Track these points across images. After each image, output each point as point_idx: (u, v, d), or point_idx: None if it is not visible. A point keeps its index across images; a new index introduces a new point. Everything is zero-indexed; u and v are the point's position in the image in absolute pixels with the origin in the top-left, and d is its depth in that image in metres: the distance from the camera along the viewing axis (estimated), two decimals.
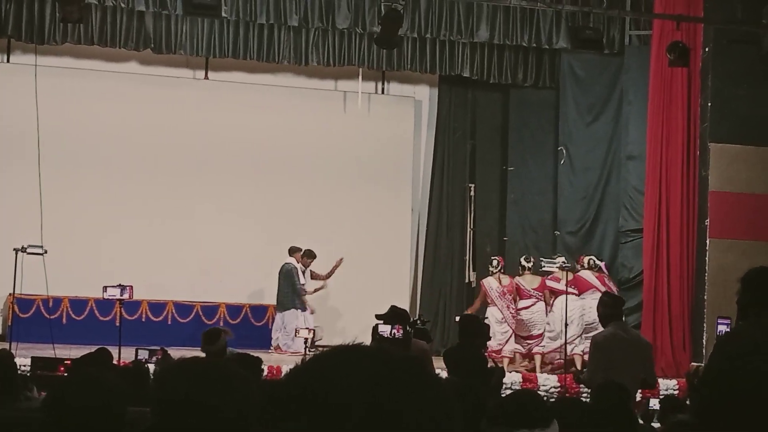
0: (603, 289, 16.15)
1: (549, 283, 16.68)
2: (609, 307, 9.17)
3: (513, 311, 16.61)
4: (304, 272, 17.91)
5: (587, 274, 16.64)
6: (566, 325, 15.50)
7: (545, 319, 16.54)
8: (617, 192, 18.66)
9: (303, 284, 17.74)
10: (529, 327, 16.60)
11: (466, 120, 20.35)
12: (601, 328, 15.98)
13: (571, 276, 16.51)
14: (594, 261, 16.91)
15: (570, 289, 16.13)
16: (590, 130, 19.04)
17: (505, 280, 16.79)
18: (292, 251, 17.86)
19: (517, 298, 16.77)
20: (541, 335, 16.57)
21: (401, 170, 19.86)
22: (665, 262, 17.15)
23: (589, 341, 16.14)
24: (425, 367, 1.72)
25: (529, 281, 16.77)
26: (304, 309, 17.68)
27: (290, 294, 17.67)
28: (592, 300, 16.24)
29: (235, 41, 18.30)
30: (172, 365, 2.59)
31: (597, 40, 16.43)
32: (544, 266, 16.75)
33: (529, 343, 16.65)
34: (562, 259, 16.88)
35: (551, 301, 16.63)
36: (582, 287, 16.50)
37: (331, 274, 18.11)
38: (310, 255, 18.01)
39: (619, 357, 8.66)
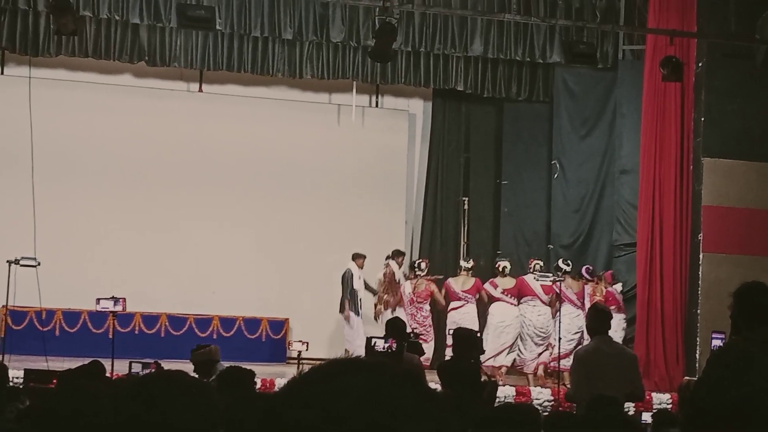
0: (544, 297, 16.24)
1: (487, 286, 16.67)
2: (592, 321, 9.16)
3: (422, 319, 16.58)
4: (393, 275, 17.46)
5: (530, 279, 16.62)
6: (559, 337, 15.51)
7: (475, 323, 16.34)
8: (611, 206, 18.68)
9: (357, 289, 17.49)
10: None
11: (460, 133, 20.38)
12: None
13: (512, 283, 16.53)
14: (540, 266, 16.88)
15: (506, 297, 16.26)
16: (584, 144, 19.08)
17: (421, 285, 16.80)
18: (354, 257, 17.49)
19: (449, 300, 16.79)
20: None
21: (395, 183, 19.87)
22: (659, 276, 17.15)
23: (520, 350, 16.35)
24: (421, 382, 1.73)
25: (460, 283, 16.77)
26: (357, 313, 17.37)
27: (347, 299, 17.34)
28: (531, 307, 16.32)
29: (229, 54, 18.31)
30: (124, 386, 2.60)
31: (590, 55, 16.46)
32: (537, 279, 16.75)
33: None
34: (567, 267, 16.87)
35: (487, 306, 16.63)
36: (523, 293, 16.53)
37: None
38: (398, 254, 17.68)
39: (601, 371, 8.65)
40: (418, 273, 17.07)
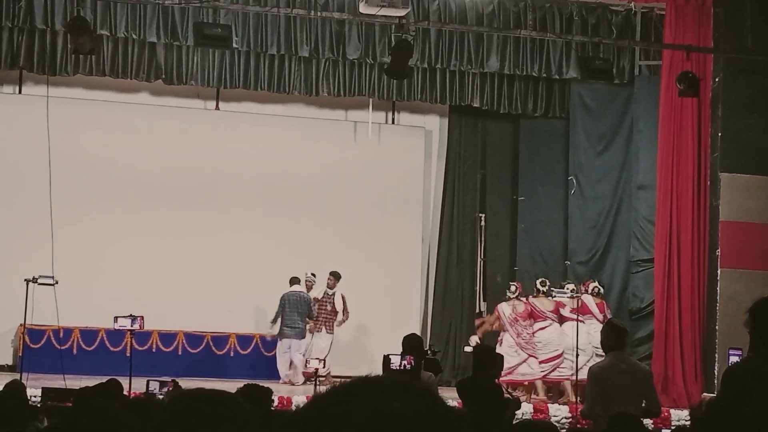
0: (600, 316, 16.28)
1: (561, 310, 16.72)
2: (607, 338, 9.11)
3: (528, 336, 16.60)
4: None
5: (588, 300, 16.66)
6: (577, 355, 15.48)
7: (562, 341, 16.49)
8: (628, 221, 18.64)
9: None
10: (546, 349, 16.56)
11: (477, 150, 20.37)
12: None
13: (579, 303, 16.55)
14: (598, 289, 16.95)
15: (574, 316, 16.26)
16: (600, 160, 19.05)
17: (520, 306, 16.79)
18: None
19: (533, 321, 16.76)
20: (559, 356, 16.53)
21: (411, 200, 19.87)
22: (676, 292, 17.10)
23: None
24: (436, 401, 1.72)
25: (544, 304, 16.77)
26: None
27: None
28: (590, 325, 16.35)
29: (245, 72, 18.36)
30: (171, 399, 2.58)
31: (607, 70, 16.45)
32: (555, 296, 16.73)
33: (549, 365, 16.54)
34: (572, 286, 16.89)
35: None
36: (584, 312, 16.56)
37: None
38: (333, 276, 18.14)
39: (616, 388, 8.61)
40: (509, 295, 17.01)
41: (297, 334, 17.65)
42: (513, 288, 17.10)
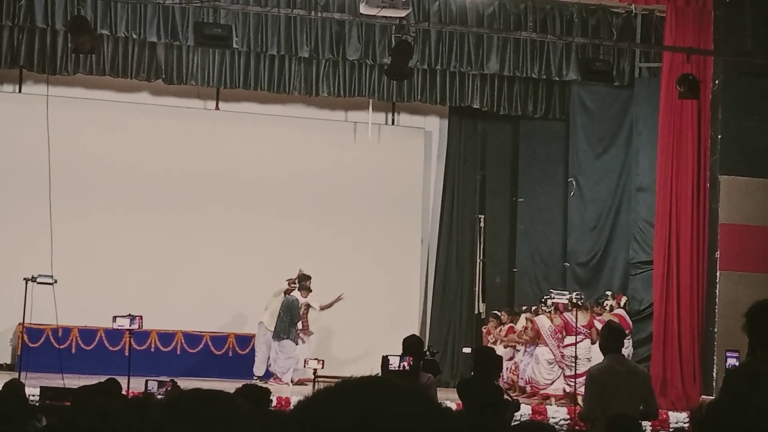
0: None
1: (596, 323, 16.50)
2: (606, 340, 9.10)
3: (562, 351, 16.52)
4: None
5: (623, 314, 16.59)
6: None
7: (591, 357, 16.27)
8: (627, 223, 18.64)
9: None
10: (577, 364, 16.33)
11: (476, 151, 20.39)
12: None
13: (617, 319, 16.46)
14: (627, 302, 16.94)
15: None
16: (600, 162, 19.05)
17: (557, 319, 16.70)
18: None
19: (565, 335, 16.64)
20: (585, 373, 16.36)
21: (411, 201, 19.88)
22: (675, 294, 17.08)
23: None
24: (428, 401, 1.72)
25: (579, 318, 16.60)
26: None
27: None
28: (628, 340, 16.22)
29: (245, 72, 18.36)
30: (169, 398, 2.57)
31: (607, 72, 16.43)
32: (554, 298, 16.69)
33: (577, 382, 16.35)
34: (611, 301, 16.82)
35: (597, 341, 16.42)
36: (624, 326, 16.47)
37: (328, 307, 17.98)
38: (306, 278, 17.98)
39: (614, 390, 8.60)
40: (544, 308, 16.91)
41: (272, 335, 17.54)
42: (550, 302, 16.90)
